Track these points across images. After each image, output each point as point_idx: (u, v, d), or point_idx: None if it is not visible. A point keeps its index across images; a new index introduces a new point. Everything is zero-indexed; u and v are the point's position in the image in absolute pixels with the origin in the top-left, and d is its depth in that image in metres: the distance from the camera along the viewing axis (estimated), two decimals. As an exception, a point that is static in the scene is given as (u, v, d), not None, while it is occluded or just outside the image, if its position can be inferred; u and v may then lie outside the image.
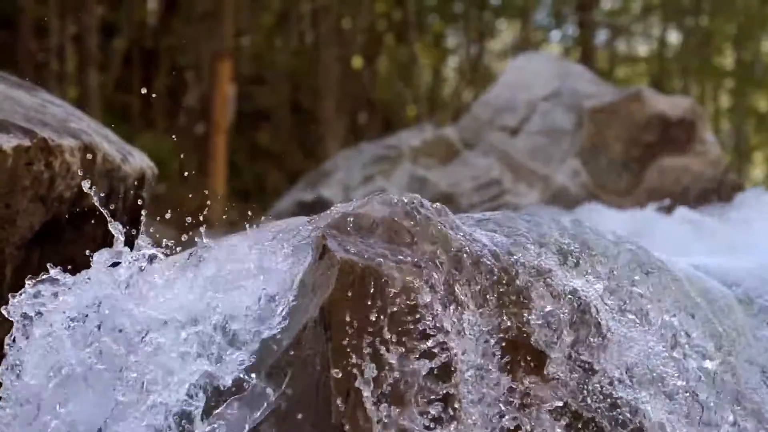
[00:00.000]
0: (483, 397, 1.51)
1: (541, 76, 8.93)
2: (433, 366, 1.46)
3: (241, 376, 1.54)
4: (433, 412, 1.44)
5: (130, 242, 1.82)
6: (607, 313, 1.69)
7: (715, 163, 8.17)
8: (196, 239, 1.76)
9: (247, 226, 1.80)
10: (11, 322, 1.70)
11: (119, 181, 2.57)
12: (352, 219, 1.61)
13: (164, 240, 1.84)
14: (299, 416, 1.47)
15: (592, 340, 1.63)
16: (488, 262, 1.62)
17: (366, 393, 1.41)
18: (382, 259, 1.51)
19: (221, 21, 12.58)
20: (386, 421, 1.41)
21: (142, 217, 2.81)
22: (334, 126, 15.40)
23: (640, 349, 1.68)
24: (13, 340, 1.67)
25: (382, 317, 1.45)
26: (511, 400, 1.54)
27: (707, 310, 1.90)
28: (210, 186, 11.75)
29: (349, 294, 1.47)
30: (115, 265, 1.74)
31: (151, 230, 1.93)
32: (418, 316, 1.48)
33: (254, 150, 15.97)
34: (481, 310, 1.57)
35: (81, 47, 12.94)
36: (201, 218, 1.85)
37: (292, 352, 1.51)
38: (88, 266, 1.73)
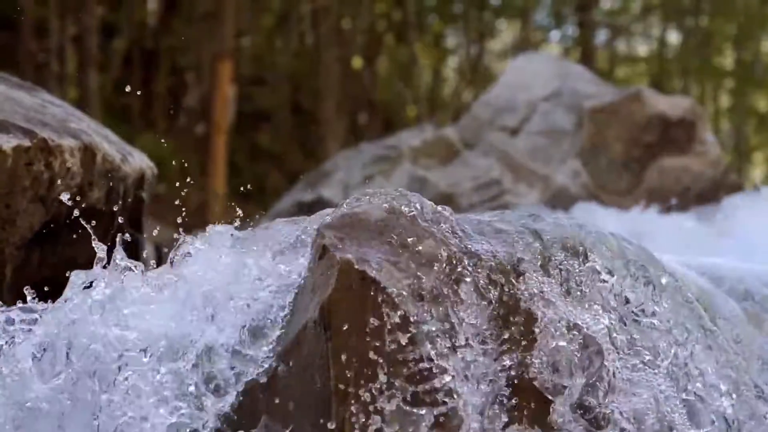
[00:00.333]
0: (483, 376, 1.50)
1: (541, 77, 8.93)
2: (433, 365, 1.46)
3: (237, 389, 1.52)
4: (433, 409, 1.43)
5: (131, 242, 1.81)
6: (615, 354, 1.60)
7: (715, 164, 8.17)
8: (172, 250, 1.71)
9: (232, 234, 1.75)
10: None
11: (119, 181, 2.57)
12: (351, 219, 1.60)
13: (152, 247, 1.79)
14: (299, 416, 1.47)
15: (598, 384, 1.55)
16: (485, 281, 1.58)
17: (366, 392, 1.41)
18: (381, 259, 1.51)
19: (221, 22, 12.58)
20: (386, 420, 1.40)
21: (142, 217, 2.81)
22: (335, 126, 15.40)
23: (650, 395, 1.59)
24: None
25: (382, 316, 1.45)
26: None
27: (720, 335, 1.80)
28: (210, 186, 11.75)
29: (349, 294, 1.47)
30: (91, 285, 1.68)
31: (154, 233, 1.87)
32: (417, 315, 1.47)
33: (254, 150, 15.97)
34: (481, 311, 1.56)
35: (81, 48, 12.94)
36: (201, 218, 1.83)
37: (291, 353, 1.51)
38: (87, 266, 1.73)
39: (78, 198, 2.36)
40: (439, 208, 1.67)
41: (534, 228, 1.73)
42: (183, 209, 1.97)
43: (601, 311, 1.65)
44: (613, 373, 1.57)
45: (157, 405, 1.52)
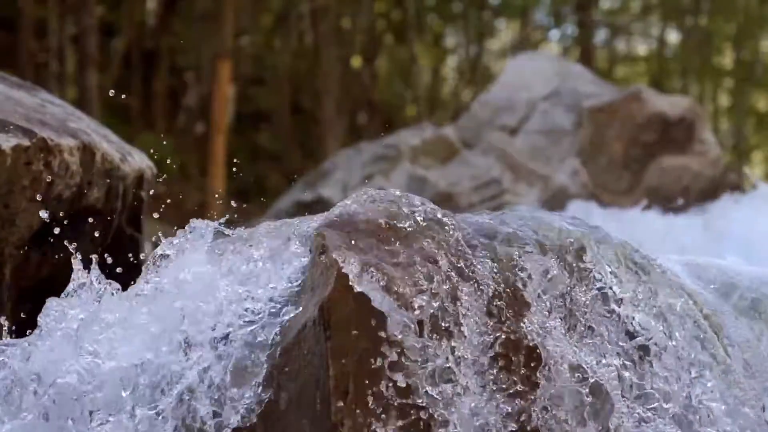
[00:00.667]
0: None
1: (540, 76, 8.93)
2: (432, 366, 1.46)
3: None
4: (432, 413, 1.43)
5: (132, 242, 1.81)
6: (622, 401, 1.53)
7: (714, 163, 8.18)
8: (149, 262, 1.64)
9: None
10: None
11: (118, 181, 2.57)
12: (351, 218, 1.60)
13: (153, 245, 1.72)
14: (298, 415, 1.47)
15: None
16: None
17: (365, 392, 1.41)
18: (380, 259, 1.51)
19: (221, 22, 12.58)
20: (385, 419, 1.41)
21: (141, 216, 2.81)
22: (334, 126, 15.39)
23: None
24: None
25: (381, 316, 1.45)
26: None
27: (733, 364, 1.72)
28: (209, 186, 11.75)
29: (349, 293, 1.47)
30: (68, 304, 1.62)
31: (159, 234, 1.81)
32: (416, 315, 1.47)
33: (254, 150, 15.97)
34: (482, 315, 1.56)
35: (80, 47, 12.94)
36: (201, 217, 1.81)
37: (291, 352, 1.51)
38: (87, 266, 1.71)
39: (77, 197, 2.36)
40: (439, 213, 1.64)
41: (536, 239, 1.68)
42: (182, 209, 1.96)
43: (609, 349, 1.57)
44: (621, 422, 1.50)
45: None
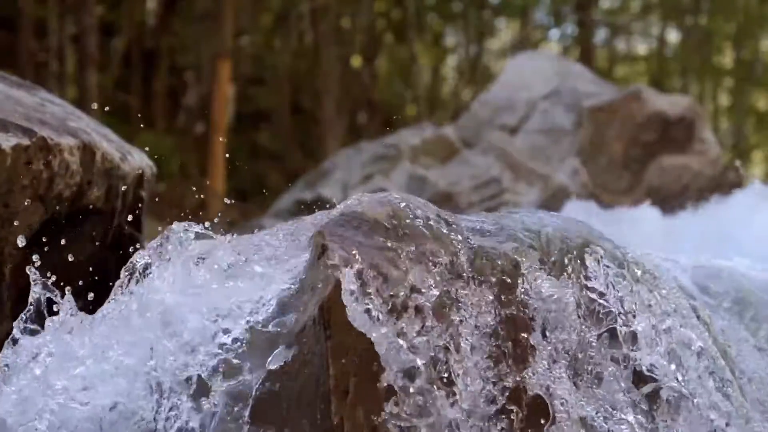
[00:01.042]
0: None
1: (540, 75, 8.93)
2: (431, 365, 1.46)
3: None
4: (432, 409, 1.43)
5: (131, 242, 1.80)
6: None
7: (714, 162, 8.18)
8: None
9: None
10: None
11: (118, 180, 2.57)
12: (351, 219, 1.60)
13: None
14: (298, 415, 1.47)
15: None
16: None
17: (365, 391, 1.41)
18: (380, 258, 1.50)
19: (221, 21, 12.58)
20: (385, 418, 1.40)
21: (141, 216, 2.81)
22: (334, 126, 15.39)
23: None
24: None
25: (380, 316, 1.45)
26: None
27: (747, 403, 1.67)
28: (209, 185, 11.75)
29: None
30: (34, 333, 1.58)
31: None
32: (416, 313, 1.47)
33: (254, 150, 15.96)
34: (481, 313, 1.56)
35: (80, 47, 12.94)
36: (200, 217, 1.81)
37: (291, 351, 1.51)
38: (87, 266, 1.71)
39: (77, 197, 2.35)
40: (441, 215, 1.64)
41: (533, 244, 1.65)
42: (182, 208, 1.96)
43: (621, 399, 1.52)
44: None
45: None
